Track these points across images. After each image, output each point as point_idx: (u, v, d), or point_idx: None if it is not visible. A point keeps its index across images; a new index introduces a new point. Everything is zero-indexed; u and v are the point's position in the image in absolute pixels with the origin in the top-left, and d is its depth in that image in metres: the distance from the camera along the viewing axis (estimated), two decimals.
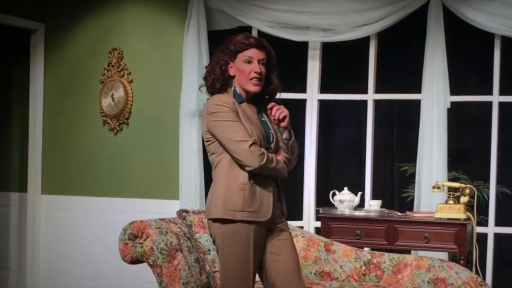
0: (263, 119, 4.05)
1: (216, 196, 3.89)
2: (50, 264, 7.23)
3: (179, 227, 4.83)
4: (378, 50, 6.73)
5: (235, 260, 3.86)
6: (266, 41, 4.06)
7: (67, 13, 7.22)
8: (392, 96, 6.86)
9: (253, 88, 3.97)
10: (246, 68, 3.95)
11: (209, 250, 4.82)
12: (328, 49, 6.85)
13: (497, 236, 6.47)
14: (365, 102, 6.77)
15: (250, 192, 3.85)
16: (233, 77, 3.99)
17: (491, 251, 6.41)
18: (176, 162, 6.75)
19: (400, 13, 6.47)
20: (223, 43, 4.05)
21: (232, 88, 4.00)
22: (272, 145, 4.00)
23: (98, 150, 7.10)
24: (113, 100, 7.03)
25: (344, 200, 5.88)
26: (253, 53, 3.97)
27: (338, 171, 7.33)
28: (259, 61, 3.97)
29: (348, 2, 6.55)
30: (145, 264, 4.66)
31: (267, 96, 4.06)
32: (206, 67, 4.10)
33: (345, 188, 5.98)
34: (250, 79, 3.96)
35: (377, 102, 6.80)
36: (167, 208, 6.40)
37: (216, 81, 3.97)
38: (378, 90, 6.75)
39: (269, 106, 3.97)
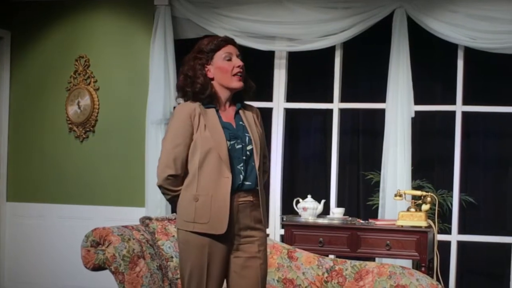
0: (241, 122, 3.86)
1: (178, 206, 3.84)
2: (15, 272, 7.20)
3: (142, 234, 4.83)
4: (343, 59, 6.79)
5: (190, 269, 3.79)
6: None
7: (33, 21, 7.21)
8: (357, 105, 6.93)
9: (237, 84, 3.80)
10: (227, 65, 3.80)
11: (172, 257, 4.82)
12: (294, 58, 6.90)
13: (460, 244, 6.55)
14: (330, 111, 6.83)
15: (203, 203, 3.74)
16: (212, 79, 3.82)
17: (454, 259, 6.47)
18: (142, 170, 6.77)
19: (365, 23, 6.53)
20: (190, 51, 3.90)
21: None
22: (249, 147, 3.82)
23: (64, 158, 7.09)
24: (79, 107, 7.03)
25: (307, 208, 5.91)
26: (231, 49, 3.83)
27: (304, 179, 7.36)
28: (237, 56, 3.83)
29: (313, 12, 6.61)
30: (108, 271, 4.67)
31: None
32: (186, 77, 3.84)
33: (309, 196, 6.02)
34: (234, 75, 3.80)
35: (342, 111, 6.86)
36: (133, 216, 6.36)
37: (203, 87, 3.79)
38: (343, 99, 6.81)
39: None
